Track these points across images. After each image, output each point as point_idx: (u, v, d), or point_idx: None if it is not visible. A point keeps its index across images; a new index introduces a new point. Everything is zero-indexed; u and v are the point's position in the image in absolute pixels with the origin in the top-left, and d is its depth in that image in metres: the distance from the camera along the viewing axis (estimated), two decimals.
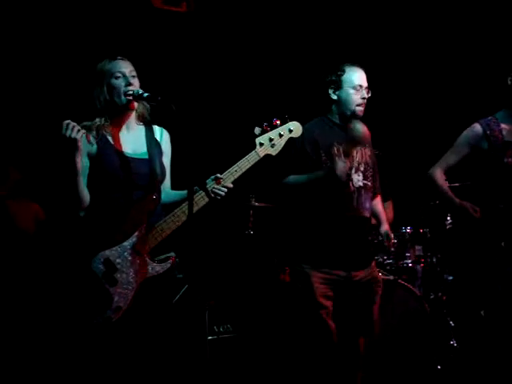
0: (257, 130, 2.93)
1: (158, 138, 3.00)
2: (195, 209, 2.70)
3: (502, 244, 3.51)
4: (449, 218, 4.77)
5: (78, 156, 2.69)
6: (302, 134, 3.04)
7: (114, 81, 2.84)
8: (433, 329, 4.36)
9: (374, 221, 3.78)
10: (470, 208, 3.61)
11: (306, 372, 3.45)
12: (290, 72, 5.62)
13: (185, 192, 2.82)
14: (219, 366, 4.20)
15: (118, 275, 2.70)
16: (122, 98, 2.84)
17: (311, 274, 3.37)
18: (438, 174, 3.72)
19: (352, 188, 3.46)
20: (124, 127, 2.93)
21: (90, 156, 2.82)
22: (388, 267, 4.71)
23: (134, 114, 2.95)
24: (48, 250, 4.42)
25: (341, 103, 3.52)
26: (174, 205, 2.84)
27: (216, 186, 2.83)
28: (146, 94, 2.80)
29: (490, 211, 3.58)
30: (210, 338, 4.24)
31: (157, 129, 3.02)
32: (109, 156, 2.82)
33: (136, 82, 2.87)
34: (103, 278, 2.68)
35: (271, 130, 2.94)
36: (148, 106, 2.93)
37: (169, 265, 2.80)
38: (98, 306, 2.66)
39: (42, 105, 4.94)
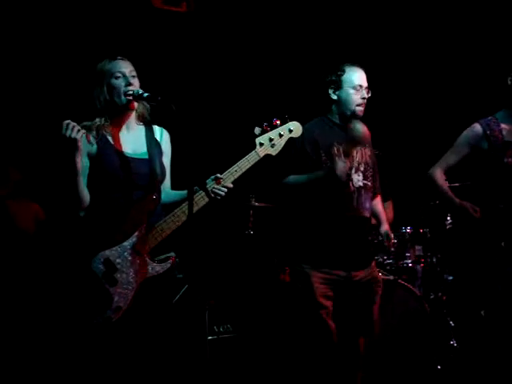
0: (257, 130, 2.93)
1: (158, 138, 3.00)
2: (195, 209, 2.70)
3: (502, 244, 3.51)
4: (449, 218, 4.77)
5: (78, 156, 2.69)
6: (302, 134, 3.04)
7: (114, 81, 2.84)
8: (433, 329, 4.36)
9: (374, 221, 3.78)
10: (470, 208, 3.61)
11: (306, 372, 3.45)
12: (289, 72, 5.62)
13: (185, 192, 2.82)
14: (219, 366, 4.19)
15: (118, 275, 2.70)
16: (122, 97, 2.84)
17: (311, 273, 3.37)
18: (438, 174, 3.72)
19: (352, 188, 3.46)
20: (124, 127, 2.93)
21: (90, 156, 2.82)
22: (388, 267, 4.71)
23: (133, 114, 2.95)
24: (48, 250, 4.42)
25: (341, 103, 3.52)
26: (174, 205, 2.84)
27: (216, 186, 2.83)
28: (146, 94, 2.80)
29: (490, 211, 3.58)
30: (210, 338, 4.23)
31: (157, 129, 3.02)
32: (109, 156, 2.82)
33: (136, 82, 2.87)
34: (103, 278, 2.68)
35: (271, 130, 2.94)
36: (148, 105, 2.93)
37: (169, 265, 2.80)
38: (98, 306, 2.65)
39: (42, 105, 4.94)
